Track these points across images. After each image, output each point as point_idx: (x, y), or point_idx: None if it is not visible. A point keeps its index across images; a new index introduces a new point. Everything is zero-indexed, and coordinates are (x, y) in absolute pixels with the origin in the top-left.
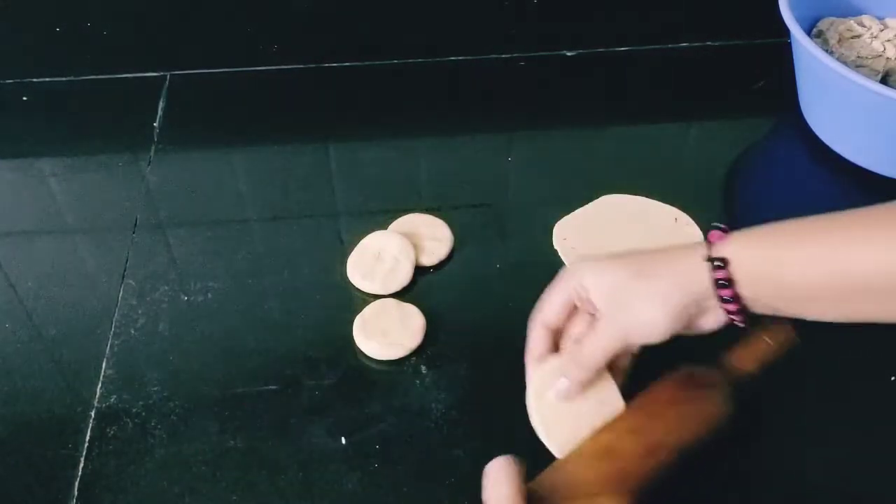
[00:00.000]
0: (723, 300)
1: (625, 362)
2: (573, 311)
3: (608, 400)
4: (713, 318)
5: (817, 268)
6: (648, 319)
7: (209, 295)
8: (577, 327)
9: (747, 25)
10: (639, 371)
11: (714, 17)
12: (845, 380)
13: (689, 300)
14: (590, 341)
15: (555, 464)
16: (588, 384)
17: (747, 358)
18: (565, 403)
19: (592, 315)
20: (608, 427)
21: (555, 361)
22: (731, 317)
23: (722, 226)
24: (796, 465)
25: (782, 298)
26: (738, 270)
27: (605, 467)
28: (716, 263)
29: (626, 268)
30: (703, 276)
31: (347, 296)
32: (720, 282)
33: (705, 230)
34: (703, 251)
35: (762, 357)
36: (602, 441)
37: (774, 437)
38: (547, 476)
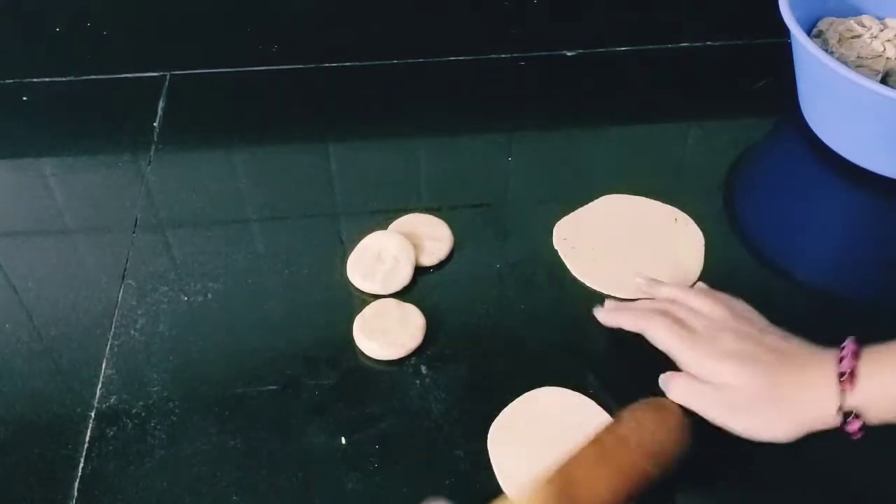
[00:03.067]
0: (851, 433)
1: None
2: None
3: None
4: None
5: None
6: (768, 430)
7: (209, 295)
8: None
9: (747, 25)
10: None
11: (714, 17)
12: None
13: (808, 428)
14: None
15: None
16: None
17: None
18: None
19: None
20: (574, 458)
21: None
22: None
23: (852, 347)
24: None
25: None
26: (870, 416)
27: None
28: (850, 416)
29: (762, 380)
30: (835, 422)
31: (347, 296)
32: (855, 431)
33: (707, 229)
34: (835, 399)
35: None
36: (568, 471)
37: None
38: None
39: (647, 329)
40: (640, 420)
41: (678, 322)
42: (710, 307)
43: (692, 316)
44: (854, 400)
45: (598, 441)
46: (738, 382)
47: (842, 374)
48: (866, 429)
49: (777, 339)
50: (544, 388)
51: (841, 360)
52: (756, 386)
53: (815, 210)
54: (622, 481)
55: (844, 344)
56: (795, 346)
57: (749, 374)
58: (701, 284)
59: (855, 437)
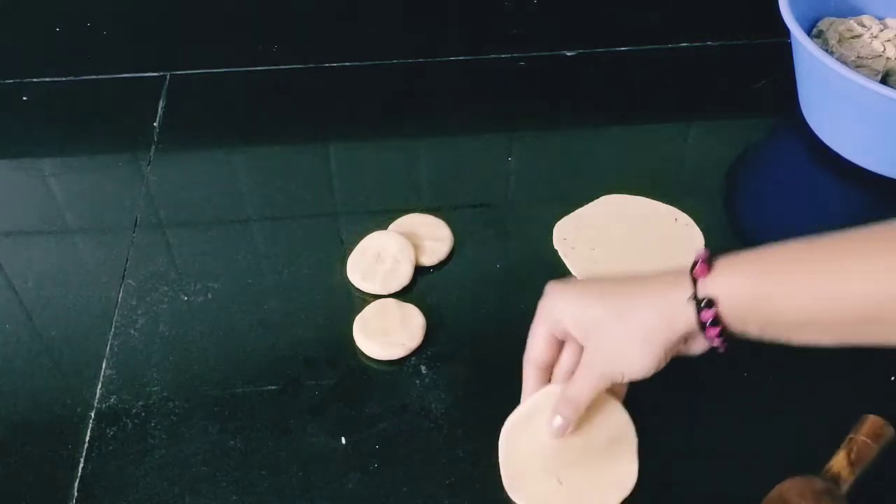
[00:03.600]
0: (709, 334)
1: (621, 389)
2: (560, 342)
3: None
4: (698, 346)
5: (806, 300)
6: (633, 360)
7: (209, 295)
8: (567, 357)
9: (747, 25)
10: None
11: (714, 17)
12: None
13: (674, 337)
14: (576, 381)
15: None
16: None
17: (848, 464)
18: (538, 453)
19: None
20: None
21: (523, 408)
22: (718, 347)
23: (706, 252)
24: None
25: (771, 330)
26: (725, 308)
27: None
28: (703, 304)
29: (605, 306)
30: (688, 315)
31: (347, 296)
32: (708, 321)
33: (707, 229)
34: (688, 288)
35: (863, 460)
36: None
37: None
38: None
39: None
40: None
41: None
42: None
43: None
44: (710, 288)
45: None
46: (583, 319)
47: (694, 265)
48: (729, 339)
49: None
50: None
51: (694, 263)
52: (601, 316)
53: (815, 210)
54: None
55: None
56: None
57: (591, 303)
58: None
59: (717, 345)
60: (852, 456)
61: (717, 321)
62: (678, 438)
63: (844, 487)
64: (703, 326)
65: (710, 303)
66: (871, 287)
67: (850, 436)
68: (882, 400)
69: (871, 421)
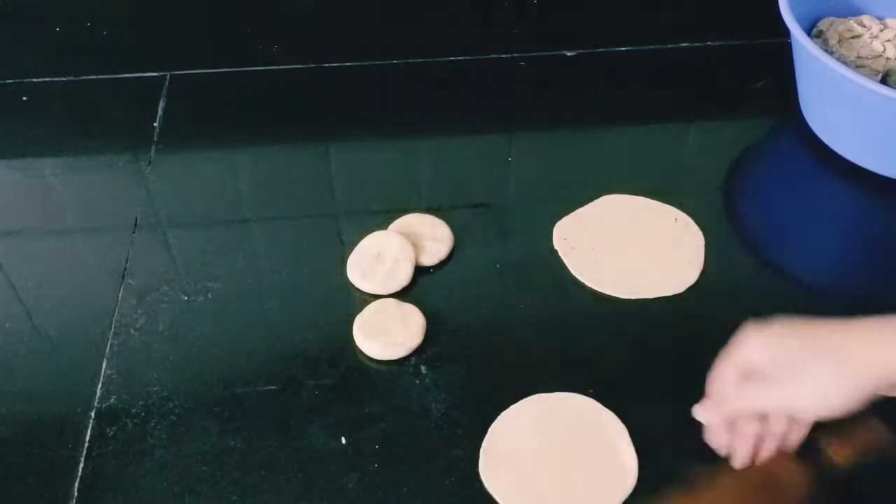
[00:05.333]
0: None
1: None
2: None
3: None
4: None
5: None
6: (833, 399)
7: (209, 295)
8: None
9: (747, 25)
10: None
11: (714, 17)
12: None
13: (882, 373)
14: (741, 394)
15: None
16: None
17: (843, 449)
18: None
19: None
20: None
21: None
22: None
23: None
24: None
25: None
26: None
27: None
28: None
29: (807, 339)
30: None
31: (347, 296)
32: None
33: (707, 229)
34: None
35: (864, 450)
36: None
37: None
38: None
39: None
40: None
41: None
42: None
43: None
44: None
45: None
46: (779, 349)
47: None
48: None
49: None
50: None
51: None
52: (815, 347)
53: (814, 210)
54: None
55: None
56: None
57: (791, 335)
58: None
59: None
60: (856, 445)
61: None
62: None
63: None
64: None
65: None
66: None
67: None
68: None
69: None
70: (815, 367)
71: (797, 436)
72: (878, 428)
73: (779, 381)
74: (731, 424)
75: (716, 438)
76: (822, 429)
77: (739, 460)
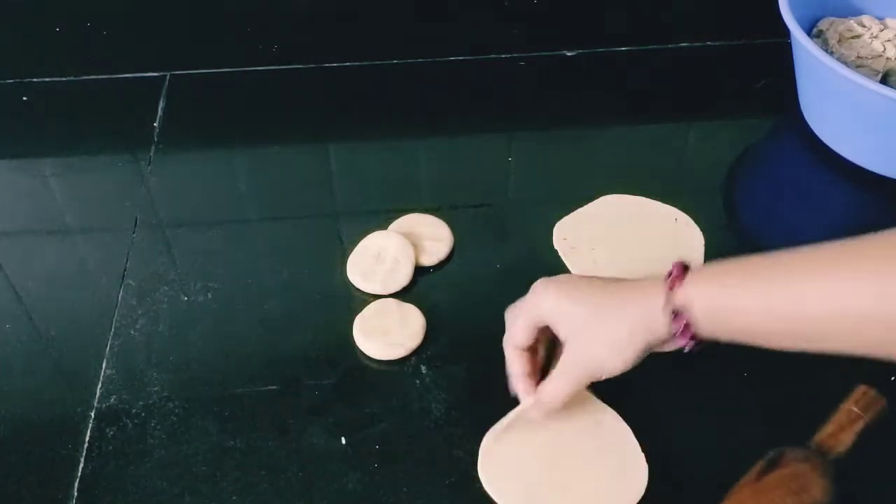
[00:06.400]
0: (680, 341)
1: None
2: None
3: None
4: (671, 346)
5: (772, 311)
6: (610, 359)
7: (209, 295)
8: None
9: (747, 25)
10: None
11: (714, 17)
12: None
13: (650, 339)
14: (551, 382)
15: None
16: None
17: (839, 435)
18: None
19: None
20: None
21: (506, 420)
22: (690, 349)
23: (680, 263)
24: None
25: (738, 336)
26: (696, 316)
27: None
28: (675, 313)
29: (588, 307)
30: (663, 322)
31: (347, 296)
32: (679, 329)
33: (707, 229)
34: (662, 297)
35: (854, 431)
36: None
37: None
38: None
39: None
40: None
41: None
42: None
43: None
44: (680, 299)
45: None
46: (566, 318)
47: (669, 274)
48: (699, 343)
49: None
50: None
51: (668, 274)
52: (583, 317)
53: (815, 210)
54: None
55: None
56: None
57: (574, 304)
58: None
59: (689, 348)
60: (841, 425)
61: (687, 328)
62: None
63: (831, 457)
64: (676, 331)
65: (682, 310)
66: (824, 307)
67: (841, 405)
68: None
69: (862, 391)
70: (595, 334)
71: None
72: (862, 406)
73: (571, 354)
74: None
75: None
76: (812, 424)
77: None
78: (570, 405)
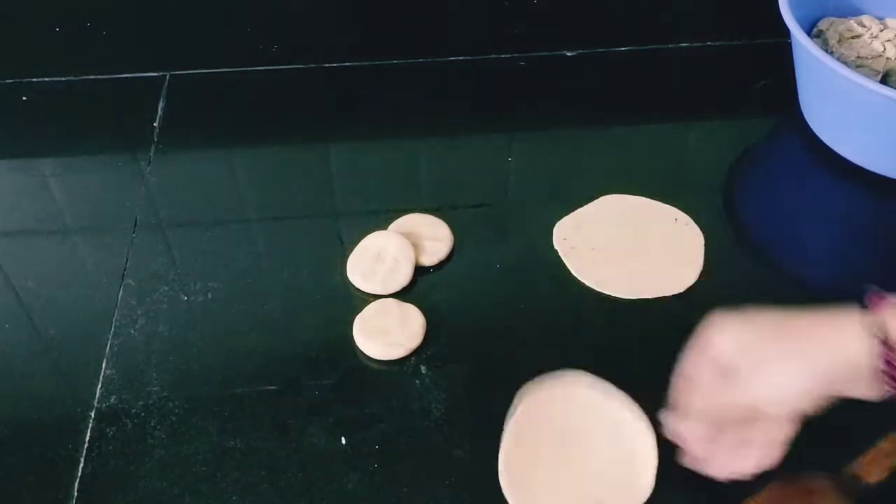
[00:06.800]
0: (885, 375)
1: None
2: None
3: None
4: (866, 389)
5: None
6: (784, 382)
7: (209, 295)
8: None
9: (747, 25)
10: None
11: (714, 17)
12: None
13: (840, 370)
14: (722, 394)
15: None
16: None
17: (874, 467)
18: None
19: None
20: None
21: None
22: (891, 391)
23: (876, 288)
24: None
25: None
26: None
27: None
28: (879, 336)
29: (770, 327)
30: (860, 346)
31: (347, 296)
32: (886, 359)
33: (707, 229)
34: (863, 319)
35: (890, 466)
36: None
37: None
38: None
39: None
40: None
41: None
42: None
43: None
44: (887, 320)
45: None
46: (743, 338)
47: (863, 304)
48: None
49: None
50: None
51: (869, 309)
52: (764, 335)
53: (815, 210)
54: None
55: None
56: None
57: (756, 325)
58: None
59: (889, 392)
60: (876, 458)
61: (891, 364)
62: None
63: (860, 484)
64: (881, 362)
65: (888, 341)
66: None
67: (880, 441)
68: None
69: None
70: (778, 361)
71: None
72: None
73: (744, 376)
74: (713, 431)
75: (695, 448)
76: (848, 449)
77: (720, 471)
78: (592, 401)
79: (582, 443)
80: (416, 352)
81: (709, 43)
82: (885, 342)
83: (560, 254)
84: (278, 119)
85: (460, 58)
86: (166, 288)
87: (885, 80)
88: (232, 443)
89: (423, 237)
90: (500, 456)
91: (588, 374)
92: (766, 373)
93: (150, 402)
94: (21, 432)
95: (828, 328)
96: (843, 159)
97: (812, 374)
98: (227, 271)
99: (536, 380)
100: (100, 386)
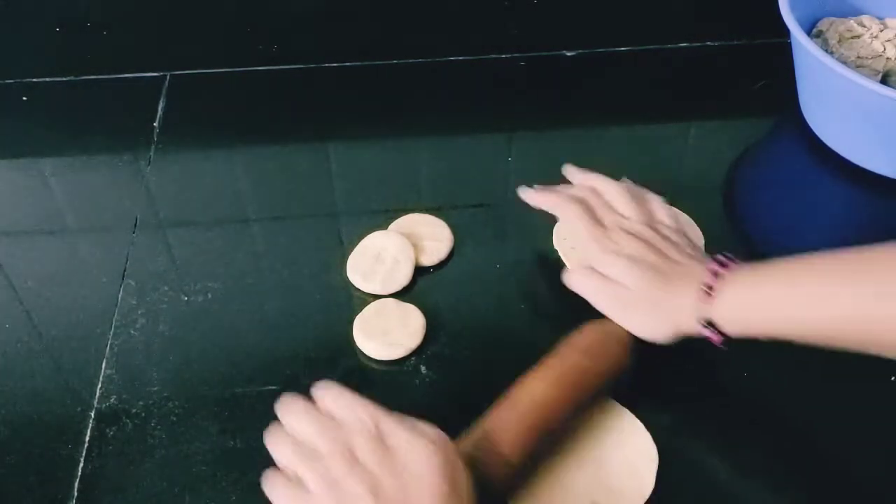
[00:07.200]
0: (712, 340)
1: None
2: None
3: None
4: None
5: (796, 321)
6: (647, 330)
7: (209, 295)
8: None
9: (747, 25)
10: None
11: (714, 17)
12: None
13: (679, 333)
14: (577, 276)
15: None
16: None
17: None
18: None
19: None
20: (518, 389)
21: None
22: (719, 346)
23: (715, 265)
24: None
25: (763, 337)
26: (725, 321)
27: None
28: (707, 321)
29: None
30: (693, 322)
31: (347, 296)
32: (709, 328)
33: (707, 229)
34: (695, 306)
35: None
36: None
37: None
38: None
39: (559, 211)
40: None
41: (591, 211)
42: (625, 206)
43: (606, 210)
44: (711, 313)
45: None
46: (626, 281)
47: (701, 287)
48: (730, 340)
49: (678, 251)
50: None
51: (707, 274)
52: (641, 287)
53: (815, 210)
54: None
55: (715, 257)
56: (686, 258)
57: (637, 275)
58: (627, 181)
59: (720, 346)
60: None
61: (716, 329)
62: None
63: None
64: (705, 328)
65: (712, 322)
66: (859, 312)
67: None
68: (883, 400)
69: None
70: (642, 309)
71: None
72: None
73: (619, 303)
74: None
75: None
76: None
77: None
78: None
79: (580, 443)
80: (416, 352)
81: (709, 43)
82: (709, 324)
83: (560, 254)
84: (278, 119)
85: (460, 58)
86: (166, 288)
87: (885, 80)
88: (232, 443)
89: (423, 237)
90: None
91: None
92: (630, 317)
93: (150, 402)
94: (21, 432)
95: (670, 295)
96: (843, 159)
97: (664, 327)
98: (227, 271)
99: None
100: (100, 386)
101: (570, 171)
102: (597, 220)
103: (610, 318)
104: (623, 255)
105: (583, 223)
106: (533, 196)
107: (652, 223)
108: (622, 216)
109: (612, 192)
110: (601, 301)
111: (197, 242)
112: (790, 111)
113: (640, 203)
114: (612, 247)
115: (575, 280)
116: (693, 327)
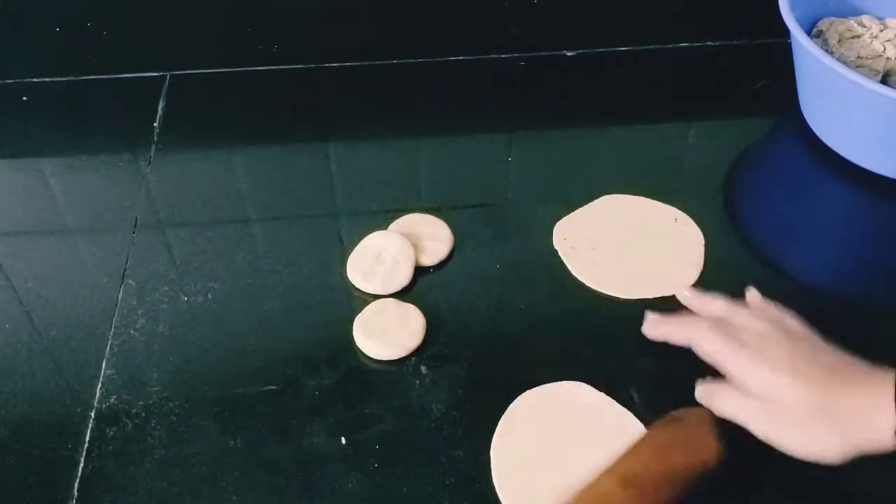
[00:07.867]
0: None
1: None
2: None
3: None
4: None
5: None
6: (818, 449)
7: (209, 295)
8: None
9: (747, 25)
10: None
11: (714, 17)
12: None
13: (865, 451)
14: (718, 400)
15: None
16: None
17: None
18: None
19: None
20: (599, 480)
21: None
22: None
23: None
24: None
25: None
26: None
27: None
28: None
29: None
30: (889, 438)
31: (347, 296)
32: None
33: (707, 229)
34: (894, 417)
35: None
36: (595, 493)
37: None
38: None
39: (694, 338)
40: (662, 447)
41: (727, 333)
42: (755, 323)
43: (738, 330)
44: None
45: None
46: (789, 396)
47: None
48: None
49: (831, 355)
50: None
51: None
52: (809, 401)
53: (814, 210)
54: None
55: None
56: (850, 364)
57: (802, 388)
58: (752, 292)
59: None
60: None
61: None
62: None
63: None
64: None
65: None
66: None
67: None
68: None
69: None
70: (812, 426)
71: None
72: None
73: (780, 422)
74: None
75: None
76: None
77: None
78: (595, 415)
79: (579, 443)
80: (416, 352)
81: (709, 43)
82: None
83: (560, 254)
84: (278, 119)
85: (460, 58)
86: (166, 288)
87: (885, 80)
88: (232, 443)
89: (423, 237)
90: (491, 455)
91: (584, 384)
92: (795, 436)
93: (150, 402)
94: (21, 432)
95: (854, 406)
96: (843, 159)
97: (840, 445)
98: (227, 271)
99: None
100: (100, 386)
101: (689, 298)
102: (738, 340)
103: (769, 439)
104: (780, 370)
105: (724, 344)
106: (656, 328)
107: (789, 334)
108: (758, 333)
109: (740, 313)
110: (760, 424)
111: (197, 242)
112: (790, 111)
113: (771, 319)
114: (761, 361)
115: (725, 403)
116: (883, 442)
